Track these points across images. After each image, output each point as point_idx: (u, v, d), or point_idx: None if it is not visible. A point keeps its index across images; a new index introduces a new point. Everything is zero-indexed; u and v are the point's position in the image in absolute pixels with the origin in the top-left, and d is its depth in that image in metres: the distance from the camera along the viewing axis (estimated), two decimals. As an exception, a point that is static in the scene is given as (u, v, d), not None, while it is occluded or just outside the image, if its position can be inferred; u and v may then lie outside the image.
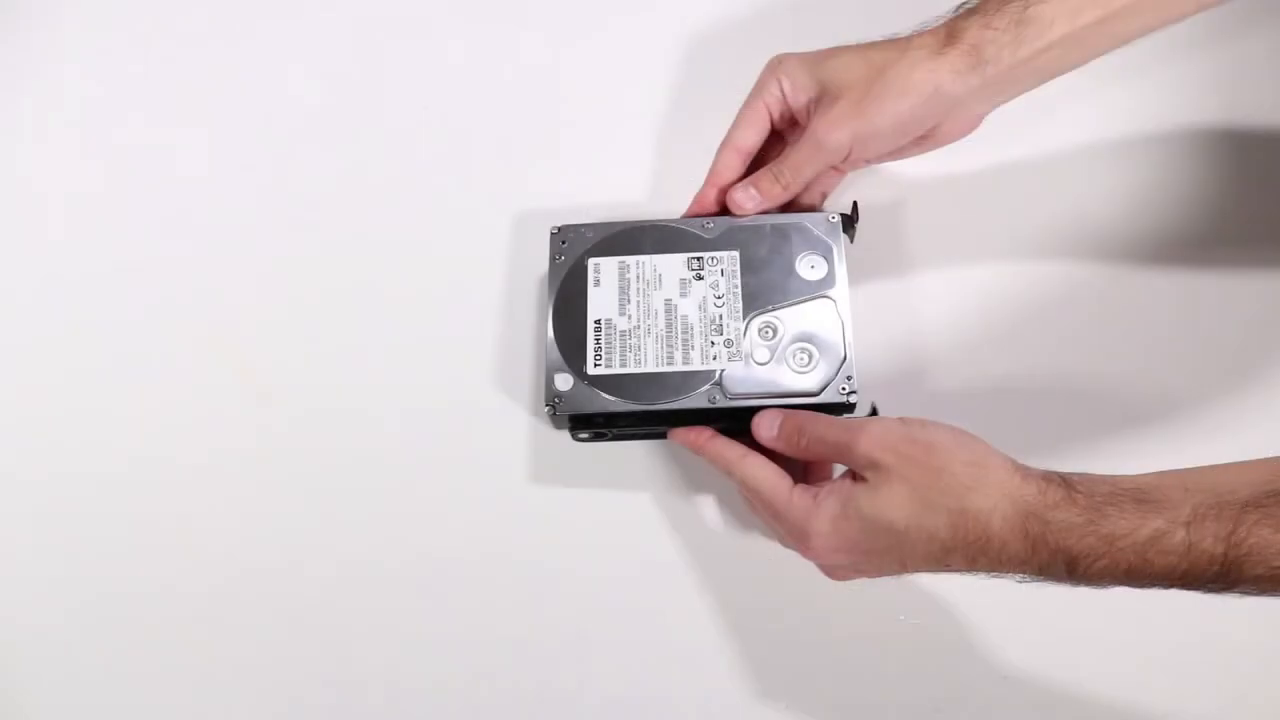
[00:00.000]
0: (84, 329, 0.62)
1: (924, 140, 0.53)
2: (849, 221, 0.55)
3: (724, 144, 0.54)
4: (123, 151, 0.67)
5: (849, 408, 0.51)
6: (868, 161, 0.55)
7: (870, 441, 0.44)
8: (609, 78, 0.67)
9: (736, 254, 0.54)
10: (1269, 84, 0.63)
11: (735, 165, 0.54)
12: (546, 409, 0.52)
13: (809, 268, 0.53)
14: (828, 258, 0.53)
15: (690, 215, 0.55)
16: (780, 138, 0.55)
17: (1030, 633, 0.52)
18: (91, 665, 0.56)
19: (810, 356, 0.52)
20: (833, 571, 0.47)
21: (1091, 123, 0.62)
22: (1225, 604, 0.40)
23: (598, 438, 0.55)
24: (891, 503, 0.43)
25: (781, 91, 0.52)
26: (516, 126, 0.65)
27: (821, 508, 0.45)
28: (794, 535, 0.47)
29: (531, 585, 0.55)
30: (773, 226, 0.54)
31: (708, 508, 0.56)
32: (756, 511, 0.51)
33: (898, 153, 0.54)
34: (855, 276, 0.54)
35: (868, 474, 0.44)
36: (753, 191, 0.54)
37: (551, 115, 0.66)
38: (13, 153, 0.68)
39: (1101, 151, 0.62)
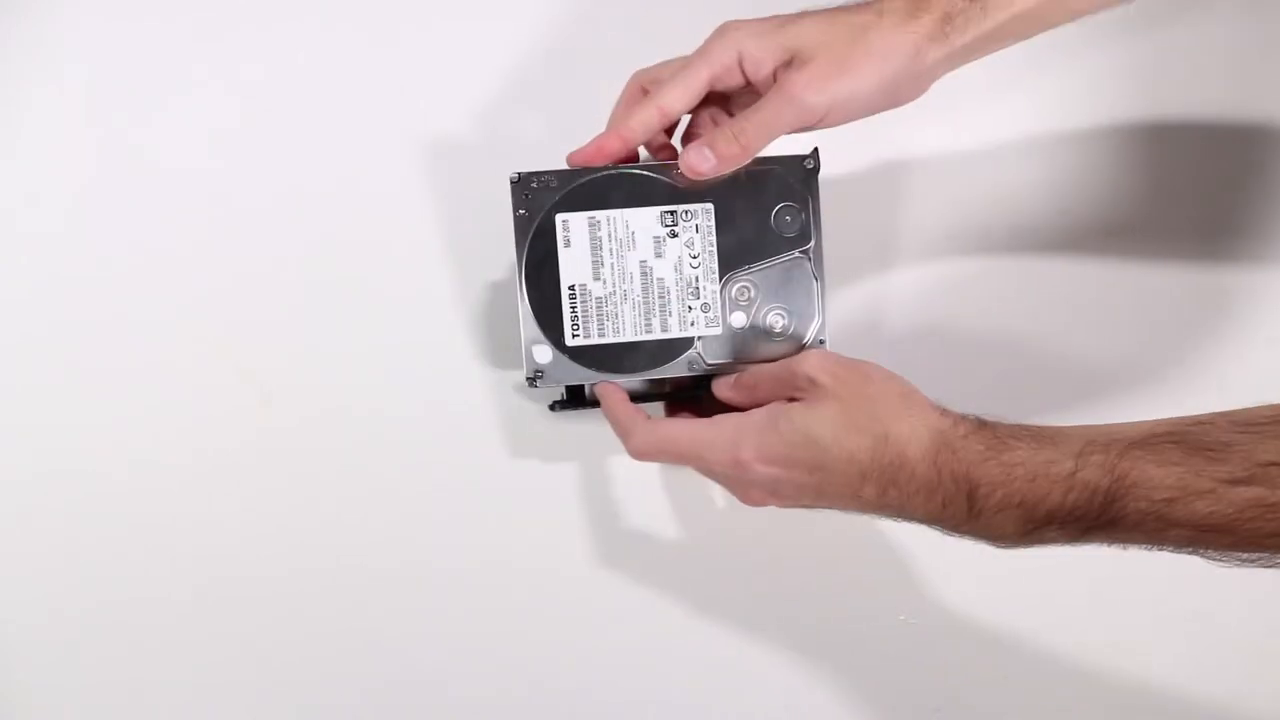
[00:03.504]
0: (82, 328, 0.60)
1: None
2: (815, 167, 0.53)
3: (648, 101, 0.50)
4: (122, 150, 0.61)
5: None
6: (832, 124, 0.51)
7: (811, 363, 0.48)
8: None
9: (711, 207, 0.52)
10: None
11: (653, 127, 0.51)
12: (528, 383, 0.52)
13: (785, 220, 0.52)
14: (804, 208, 0.52)
15: (581, 162, 0.51)
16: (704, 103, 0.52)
17: (1030, 633, 0.54)
18: (91, 666, 0.58)
19: (786, 318, 0.52)
20: (748, 492, 0.49)
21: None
22: (1223, 595, 0.42)
23: (574, 406, 0.55)
24: (822, 417, 0.46)
25: (736, 62, 0.49)
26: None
27: (749, 418, 0.48)
28: (719, 451, 0.48)
29: (521, 576, 0.60)
30: (748, 174, 0.52)
31: (695, 497, 0.58)
32: (688, 463, 0.52)
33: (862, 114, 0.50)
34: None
35: (804, 393, 0.47)
36: (708, 153, 0.50)
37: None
38: (12, 150, 0.61)
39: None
